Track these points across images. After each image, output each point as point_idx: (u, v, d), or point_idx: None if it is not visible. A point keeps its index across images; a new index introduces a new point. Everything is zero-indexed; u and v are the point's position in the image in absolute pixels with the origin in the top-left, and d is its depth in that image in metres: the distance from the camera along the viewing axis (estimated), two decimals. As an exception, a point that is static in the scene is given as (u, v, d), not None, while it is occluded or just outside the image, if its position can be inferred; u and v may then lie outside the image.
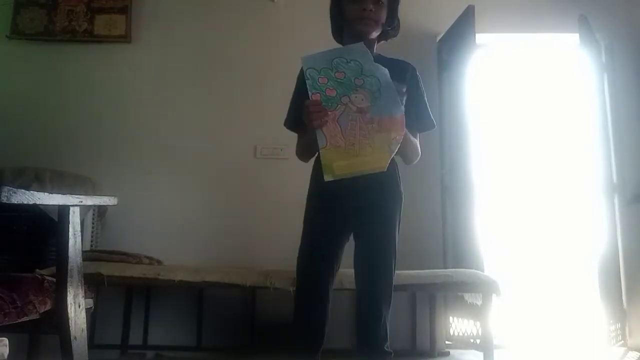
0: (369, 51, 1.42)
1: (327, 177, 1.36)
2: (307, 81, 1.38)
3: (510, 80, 3.75)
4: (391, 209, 1.54)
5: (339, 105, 1.36)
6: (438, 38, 3.11)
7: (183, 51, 3.09)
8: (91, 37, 3.07)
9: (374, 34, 1.58)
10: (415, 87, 1.59)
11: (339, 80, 1.37)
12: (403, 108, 1.39)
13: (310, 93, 1.37)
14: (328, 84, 1.37)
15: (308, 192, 1.62)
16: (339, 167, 1.35)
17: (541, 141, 3.93)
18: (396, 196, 1.57)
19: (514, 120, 3.88)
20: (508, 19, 3.10)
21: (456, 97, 2.92)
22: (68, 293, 1.29)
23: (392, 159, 1.43)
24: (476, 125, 2.79)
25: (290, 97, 1.69)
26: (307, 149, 1.58)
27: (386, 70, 1.39)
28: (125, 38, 3.07)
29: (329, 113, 1.35)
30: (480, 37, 2.84)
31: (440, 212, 2.96)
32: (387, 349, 1.47)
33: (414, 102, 1.55)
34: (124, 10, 3.08)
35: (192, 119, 3.00)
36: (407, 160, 1.60)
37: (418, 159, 1.60)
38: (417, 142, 1.58)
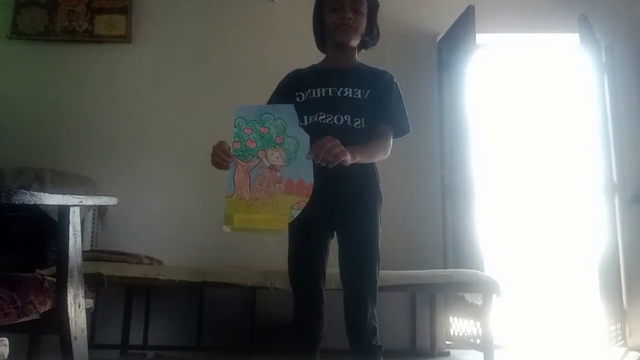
0: (296, 114, 1.43)
1: (226, 228, 1.38)
2: (233, 129, 1.42)
3: (510, 81, 3.75)
4: (372, 205, 1.58)
5: (254, 159, 1.40)
6: (438, 38, 3.11)
7: (183, 51, 3.09)
8: (91, 37, 3.07)
9: (354, 42, 1.64)
10: (387, 92, 1.62)
11: (262, 134, 1.41)
12: (312, 178, 1.39)
13: (233, 140, 1.42)
14: (251, 135, 1.41)
15: None
16: (239, 219, 1.37)
17: (541, 141, 3.94)
18: (375, 194, 1.60)
19: (514, 121, 3.89)
20: (508, 19, 3.10)
21: (456, 97, 2.92)
22: (68, 293, 1.29)
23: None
24: (476, 125, 2.79)
25: None
26: None
27: (308, 137, 1.40)
28: (125, 38, 3.07)
29: (243, 163, 1.40)
30: (480, 37, 2.84)
31: (440, 212, 2.96)
32: (376, 343, 1.52)
33: (382, 105, 1.60)
34: (124, 10, 3.08)
35: (192, 119, 2.99)
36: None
37: (385, 157, 1.62)
38: (385, 143, 1.60)
